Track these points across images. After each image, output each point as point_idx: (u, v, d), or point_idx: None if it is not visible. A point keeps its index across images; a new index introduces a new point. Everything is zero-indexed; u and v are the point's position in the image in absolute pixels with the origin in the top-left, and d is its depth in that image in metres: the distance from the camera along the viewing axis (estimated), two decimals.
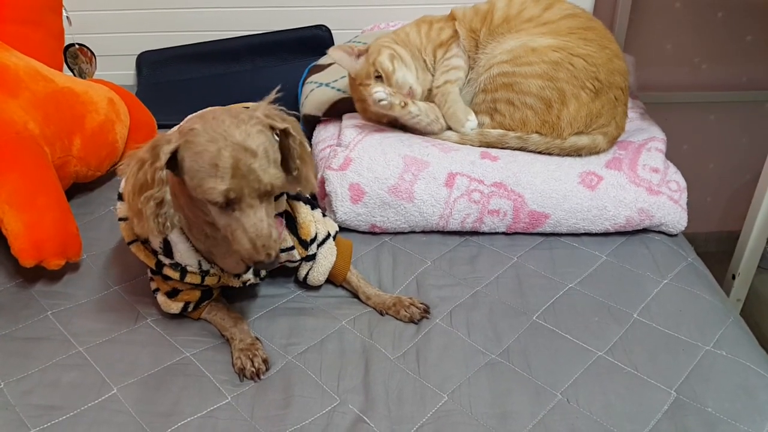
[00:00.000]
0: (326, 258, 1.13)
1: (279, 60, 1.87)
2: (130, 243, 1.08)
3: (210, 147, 0.87)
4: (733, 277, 1.34)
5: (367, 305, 1.14)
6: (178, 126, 0.96)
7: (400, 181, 1.25)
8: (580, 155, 1.29)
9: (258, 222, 0.90)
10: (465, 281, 1.18)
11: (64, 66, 1.57)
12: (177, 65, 1.87)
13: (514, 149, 1.30)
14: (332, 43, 1.84)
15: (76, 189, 1.41)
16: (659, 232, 1.28)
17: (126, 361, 1.03)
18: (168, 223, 0.93)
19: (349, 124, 1.37)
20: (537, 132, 1.28)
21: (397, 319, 1.11)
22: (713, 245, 1.97)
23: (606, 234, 1.28)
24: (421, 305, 1.11)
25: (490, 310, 1.12)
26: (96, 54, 1.77)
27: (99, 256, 1.25)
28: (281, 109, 0.99)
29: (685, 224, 1.26)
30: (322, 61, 1.67)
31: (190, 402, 0.96)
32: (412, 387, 0.98)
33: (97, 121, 1.34)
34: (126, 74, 1.88)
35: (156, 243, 1.03)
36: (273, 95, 1.00)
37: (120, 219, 1.08)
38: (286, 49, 1.86)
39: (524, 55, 1.26)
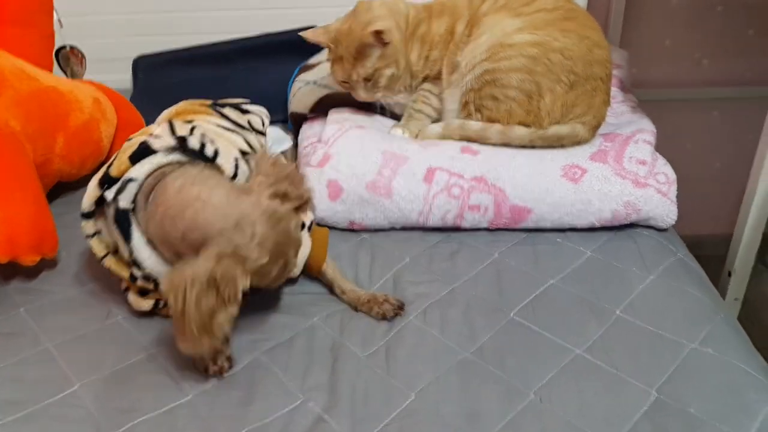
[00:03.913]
0: (300, 248, 1.11)
1: (274, 62, 1.86)
2: (102, 258, 1.07)
3: (275, 269, 0.93)
4: (729, 275, 1.28)
5: (342, 300, 1.11)
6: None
7: (378, 177, 1.22)
8: (563, 146, 1.26)
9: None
10: (443, 278, 1.15)
11: (55, 67, 1.58)
12: (173, 68, 1.88)
13: (497, 145, 1.27)
14: None
15: (61, 188, 1.41)
16: (648, 226, 1.23)
17: (92, 358, 1.01)
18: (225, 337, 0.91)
19: (332, 120, 1.35)
20: (522, 123, 1.25)
21: (369, 316, 1.08)
22: (723, 248, 1.90)
23: (592, 229, 1.23)
24: (395, 302, 1.08)
25: (467, 307, 1.08)
26: (91, 59, 1.79)
27: (78, 254, 1.24)
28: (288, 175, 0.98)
29: (674, 218, 1.21)
30: (312, 60, 1.67)
31: (150, 399, 0.94)
32: (379, 386, 0.95)
33: (81, 119, 1.34)
34: (122, 78, 1.89)
35: (126, 256, 1.02)
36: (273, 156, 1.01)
37: (87, 236, 1.07)
38: (280, 50, 1.85)
39: (501, 51, 1.24)
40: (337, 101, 1.44)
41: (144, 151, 1.00)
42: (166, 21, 1.85)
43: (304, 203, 0.98)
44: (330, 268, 1.13)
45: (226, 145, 1.08)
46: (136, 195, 1.00)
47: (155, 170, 0.99)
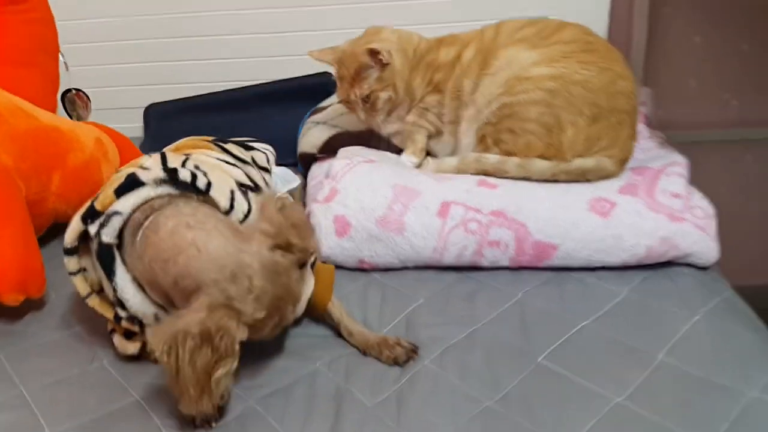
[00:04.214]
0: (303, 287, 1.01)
1: (285, 108, 1.83)
2: (86, 297, 0.99)
3: (270, 323, 0.85)
4: None
5: (349, 343, 1.00)
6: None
7: (388, 212, 1.14)
8: (588, 180, 1.16)
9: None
10: (461, 320, 1.04)
11: (61, 110, 1.56)
12: (184, 116, 1.85)
13: (515, 178, 1.18)
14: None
15: (57, 229, 1.34)
16: (687, 264, 1.12)
17: (69, 404, 0.91)
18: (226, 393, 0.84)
19: (341, 155, 1.28)
20: (542, 156, 1.17)
21: (379, 360, 0.97)
22: (764, 300, 1.75)
23: (626, 268, 1.12)
24: (407, 345, 0.97)
25: (488, 351, 0.97)
26: (103, 107, 1.78)
27: (68, 296, 1.16)
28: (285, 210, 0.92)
29: (716, 255, 1.09)
30: (323, 104, 1.62)
31: None
32: None
33: (80, 159, 1.30)
34: (133, 127, 1.87)
35: (111, 295, 0.95)
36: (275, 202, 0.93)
37: (71, 273, 0.99)
38: (292, 96, 1.82)
39: (518, 84, 1.18)
40: (347, 141, 1.38)
41: (131, 184, 0.93)
42: (177, 69, 1.84)
43: (307, 257, 0.90)
44: (336, 308, 1.03)
45: (221, 176, 1.01)
46: (121, 230, 0.92)
47: (143, 203, 0.92)
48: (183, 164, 0.98)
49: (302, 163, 1.48)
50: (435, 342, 0.99)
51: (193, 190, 0.94)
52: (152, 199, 0.91)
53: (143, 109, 1.87)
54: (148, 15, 1.78)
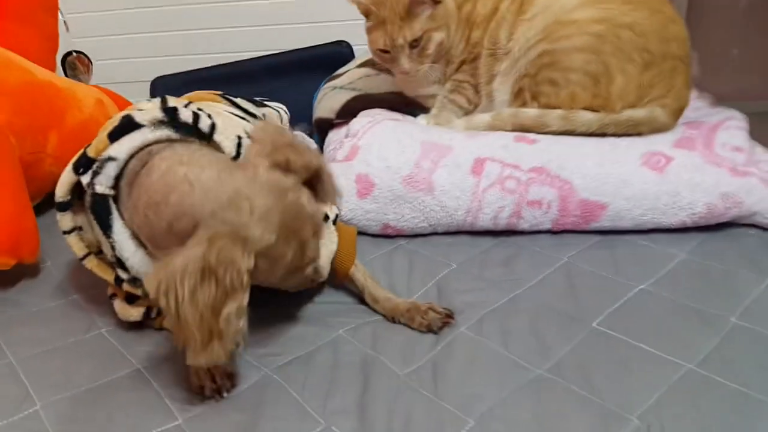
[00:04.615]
0: (325, 246, 0.90)
1: (298, 80, 1.73)
2: (83, 258, 0.89)
3: (289, 253, 0.74)
4: None
5: (375, 311, 0.89)
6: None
7: (416, 170, 1.03)
8: (640, 133, 1.05)
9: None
10: (500, 285, 0.92)
11: (60, 73, 1.47)
12: (192, 89, 1.75)
13: (558, 133, 1.07)
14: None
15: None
16: (752, 225, 1.00)
17: (62, 373, 0.81)
18: (242, 339, 0.70)
19: (362, 114, 1.18)
20: (589, 108, 1.06)
21: (411, 328, 0.86)
22: None
23: (683, 230, 1.00)
24: (441, 310, 0.86)
25: (534, 316, 0.85)
26: (108, 81, 1.68)
27: (65, 264, 1.06)
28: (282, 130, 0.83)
29: None
30: (339, 71, 1.52)
31: (126, 423, 0.72)
32: (425, 409, 0.72)
33: (78, 118, 1.20)
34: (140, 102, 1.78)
35: (109, 255, 0.84)
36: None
37: (65, 232, 0.89)
38: (305, 68, 1.72)
39: (560, 29, 1.07)
40: (367, 103, 1.27)
41: (126, 126, 0.82)
42: (184, 40, 1.75)
43: (313, 174, 0.78)
44: (359, 273, 0.92)
45: (228, 122, 0.90)
46: (118, 179, 0.81)
47: (140, 149, 0.81)
48: (185, 106, 0.88)
49: (318, 131, 1.37)
50: (472, 308, 0.88)
51: (196, 133, 0.83)
52: (150, 144, 0.80)
53: (149, 83, 1.77)
54: None
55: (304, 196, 0.75)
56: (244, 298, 0.68)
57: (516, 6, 1.13)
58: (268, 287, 0.81)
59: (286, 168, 0.75)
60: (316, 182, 0.79)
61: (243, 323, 0.69)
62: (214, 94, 1.09)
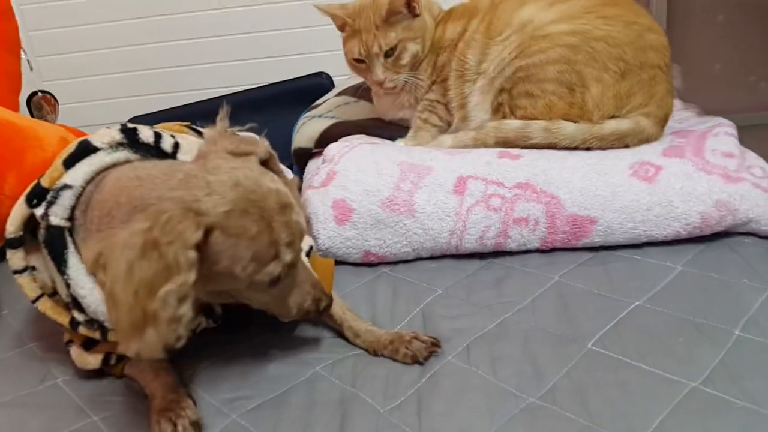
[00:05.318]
0: None
1: (278, 113, 1.69)
2: (35, 300, 0.82)
3: (252, 227, 0.66)
4: None
5: (356, 345, 0.83)
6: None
7: (396, 192, 0.98)
8: (627, 146, 1.01)
9: (309, 273, 0.76)
10: (488, 309, 0.86)
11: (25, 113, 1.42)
12: None
13: (542, 147, 1.03)
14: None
15: None
16: (748, 234, 0.95)
17: (11, 430, 0.74)
18: (183, 330, 0.62)
19: (339, 141, 1.13)
20: (566, 118, 1.02)
21: (395, 360, 0.79)
22: None
23: (678, 242, 0.95)
24: (426, 338, 0.80)
25: (525, 340, 0.79)
26: (83, 124, 1.64)
27: (22, 312, 1.00)
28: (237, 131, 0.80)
29: None
30: (318, 101, 1.48)
31: None
32: None
33: (41, 157, 1.15)
34: None
35: (65, 295, 0.77)
36: (224, 114, 0.80)
37: (15, 272, 0.81)
38: (285, 101, 1.69)
39: (534, 44, 1.05)
40: (346, 129, 1.23)
41: (83, 151, 0.77)
42: (160, 78, 1.72)
43: (266, 158, 0.76)
44: (337, 306, 0.86)
45: (194, 145, 0.85)
46: (73, 208, 0.76)
47: (97, 172, 0.75)
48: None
49: (297, 162, 1.32)
50: (459, 334, 0.82)
51: (157, 155, 0.78)
52: (108, 167, 0.75)
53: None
54: (123, 21, 1.66)
55: (263, 172, 0.71)
56: (188, 279, 0.61)
57: (484, 26, 1.11)
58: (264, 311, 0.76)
59: (238, 154, 0.71)
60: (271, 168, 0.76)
61: (184, 311, 0.61)
62: (179, 125, 1.04)
